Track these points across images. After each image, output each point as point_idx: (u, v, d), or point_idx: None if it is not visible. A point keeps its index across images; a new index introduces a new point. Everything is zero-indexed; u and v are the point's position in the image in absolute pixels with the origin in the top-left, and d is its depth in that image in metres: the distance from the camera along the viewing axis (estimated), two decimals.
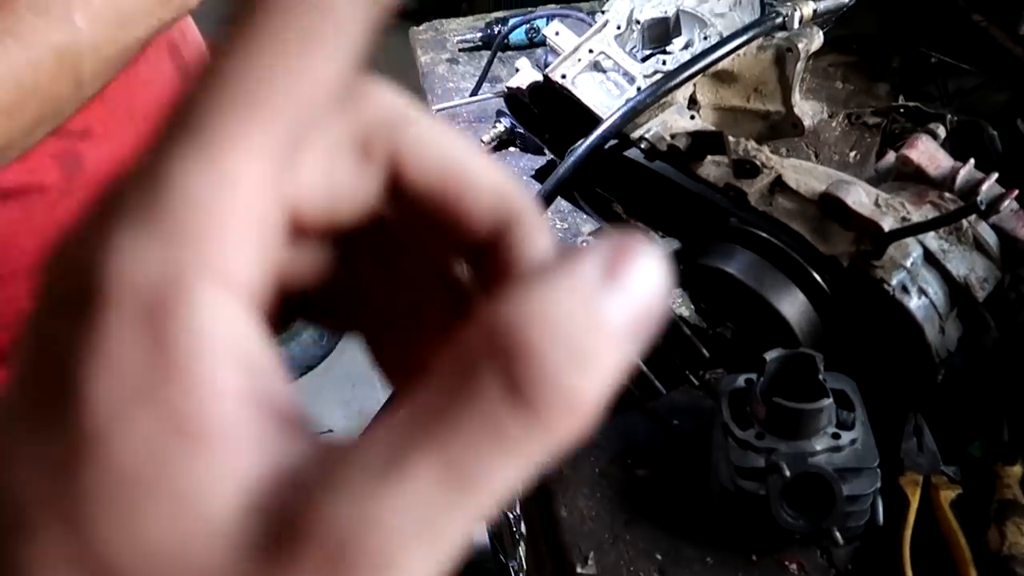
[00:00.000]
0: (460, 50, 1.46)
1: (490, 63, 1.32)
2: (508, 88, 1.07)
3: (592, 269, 0.19)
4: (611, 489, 0.83)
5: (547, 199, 0.91)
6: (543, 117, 1.06)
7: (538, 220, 0.25)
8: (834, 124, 1.17)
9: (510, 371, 0.19)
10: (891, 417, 0.87)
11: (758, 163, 0.84)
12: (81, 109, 0.62)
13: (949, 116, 1.09)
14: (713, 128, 0.89)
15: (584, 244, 0.21)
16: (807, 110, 1.03)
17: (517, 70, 1.08)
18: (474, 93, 1.35)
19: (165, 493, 0.18)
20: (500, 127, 1.23)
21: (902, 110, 1.15)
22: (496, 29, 1.44)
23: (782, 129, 1.05)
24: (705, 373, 0.93)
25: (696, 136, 0.88)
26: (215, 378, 0.19)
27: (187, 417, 0.18)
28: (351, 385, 2.83)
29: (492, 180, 0.25)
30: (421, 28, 1.55)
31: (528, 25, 1.41)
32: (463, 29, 1.51)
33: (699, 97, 1.05)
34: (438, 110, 1.34)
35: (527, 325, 0.19)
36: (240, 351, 0.19)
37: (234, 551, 0.19)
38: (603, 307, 0.19)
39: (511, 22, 1.39)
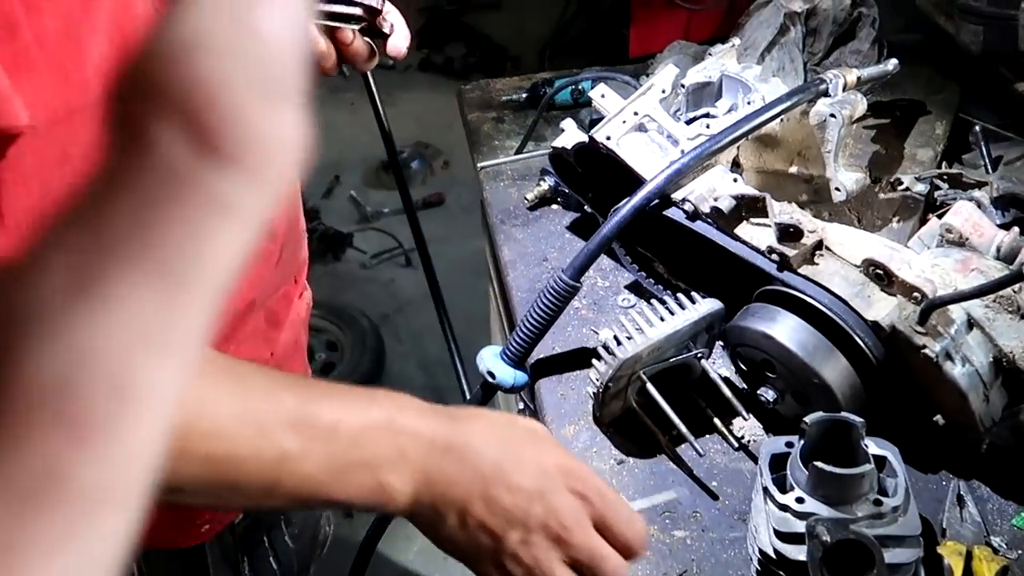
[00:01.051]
0: (504, 107, 1.49)
1: (535, 122, 1.35)
2: (553, 148, 1.09)
3: None
4: (650, 550, 0.83)
5: (591, 257, 0.92)
6: (587, 177, 1.08)
7: None
8: (877, 189, 1.17)
9: (188, 115, 0.16)
10: (935, 485, 0.87)
11: (801, 227, 0.84)
12: None
13: (993, 183, 1.10)
14: (756, 192, 0.90)
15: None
16: (850, 175, 1.04)
17: (562, 130, 1.10)
18: (519, 151, 1.37)
19: None
20: (544, 185, 1.25)
21: (945, 177, 1.15)
22: (542, 89, 1.47)
23: (825, 193, 1.06)
24: (745, 435, 0.92)
25: (740, 199, 0.89)
26: None
27: None
28: None
29: None
30: (468, 87, 1.58)
31: (573, 86, 1.44)
32: (509, 89, 1.55)
33: (742, 160, 1.06)
34: (483, 167, 1.37)
35: (187, 57, 0.16)
36: None
37: None
38: (260, 19, 0.17)
39: (557, 83, 1.41)
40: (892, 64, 1.12)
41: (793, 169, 1.05)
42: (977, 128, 1.18)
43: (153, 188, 0.16)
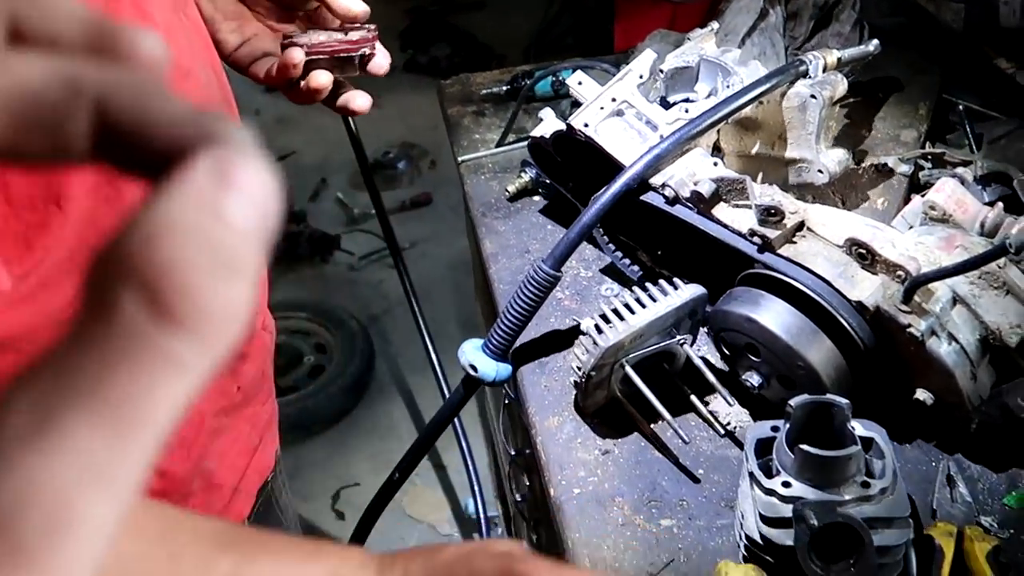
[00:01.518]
0: (484, 101, 1.48)
1: (515, 114, 1.33)
2: (532, 137, 1.08)
3: (205, 176, 0.20)
4: (635, 540, 0.82)
5: (571, 246, 0.91)
6: (567, 165, 1.07)
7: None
8: (861, 171, 1.16)
9: (149, 290, 0.18)
10: (923, 466, 0.85)
11: (783, 208, 0.83)
12: None
13: (977, 162, 1.09)
14: (736, 174, 0.89)
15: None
16: (833, 157, 1.02)
17: (541, 120, 1.08)
18: (499, 144, 1.36)
19: None
20: (525, 177, 1.24)
21: (929, 157, 1.14)
22: (522, 82, 1.45)
23: (808, 176, 1.04)
24: (730, 421, 0.91)
25: (720, 182, 0.88)
26: None
27: None
28: (378, 438, 2.82)
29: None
30: (448, 81, 1.57)
31: (553, 77, 1.43)
32: (489, 82, 1.53)
33: (723, 145, 1.04)
34: (463, 160, 1.35)
35: (155, 240, 0.19)
36: None
37: None
38: (226, 208, 0.19)
39: (536, 74, 1.40)
40: (873, 45, 1.11)
41: (774, 152, 1.04)
42: (960, 107, 1.17)
43: (114, 344, 0.18)
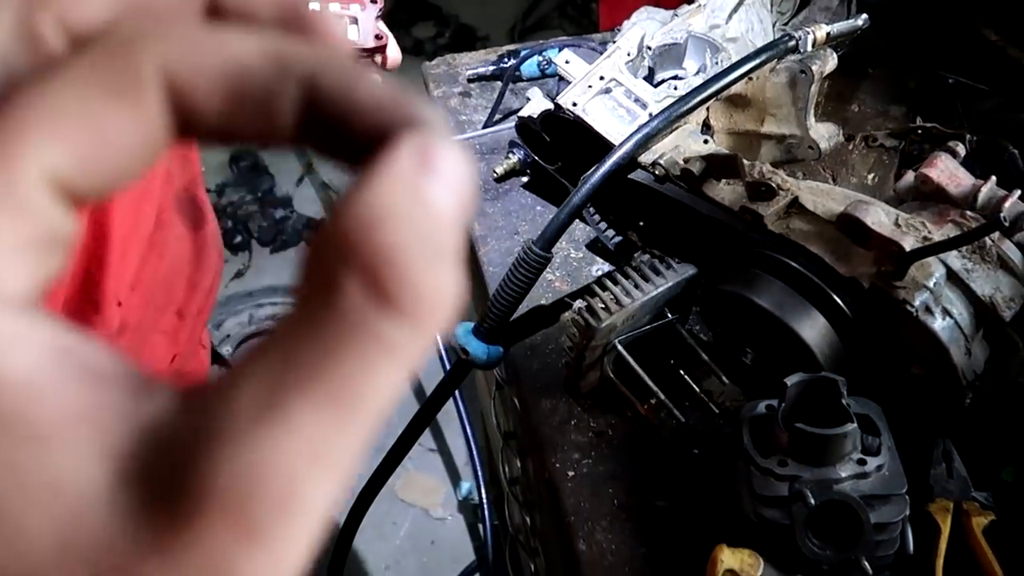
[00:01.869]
0: (470, 81, 1.46)
1: (502, 94, 1.32)
2: (519, 117, 1.06)
3: (409, 162, 0.20)
4: (631, 521, 0.81)
5: (562, 226, 0.90)
6: (555, 145, 1.05)
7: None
8: (851, 147, 1.15)
9: (371, 276, 0.19)
10: (919, 442, 0.85)
11: (774, 185, 0.82)
12: None
13: (968, 136, 1.08)
14: (727, 151, 0.88)
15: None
16: (823, 132, 1.02)
17: (528, 99, 1.07)
18: (487, 125, 1.34)
19: (27, 495, 0.18)
20: (513, 158, 1.23)
21: (920, 131, 1.13)
22: (508, 61, 1.44)
23: (798, 152, 1.04)
24: (725, 400, 0.91)
25: (710, 159, 0.87)
26: (28, 379, 0.19)
27: (10, 422, 0.18)
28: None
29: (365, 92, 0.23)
30: (433, 63, 1.55)
31: (540, 56, 1.41)
32: (475, 63, 1.51)
33: (713, 122, 1.03)
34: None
35: (374, 225, 0.19)
36: (38, 350, 0.19)
37: (121, 530, 0.18)
38: (431, 194, 0.20)
39: (522, 53, 1.39)
40: (862, 19, 1.10)
41: (764, 128, 1.03)
42: (950, 81, 1.17)
43: (339, 330, 0.19)
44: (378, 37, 0.82)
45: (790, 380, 0.76)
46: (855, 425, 0.73)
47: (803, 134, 1.02)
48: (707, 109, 1.02)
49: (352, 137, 0.22)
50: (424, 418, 1.11)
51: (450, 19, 5.07)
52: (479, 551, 1.77)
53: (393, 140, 0.21)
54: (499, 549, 1.85)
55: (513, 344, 0.99)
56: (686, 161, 0.88)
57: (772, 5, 1.36)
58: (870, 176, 1.12)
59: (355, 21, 0.82)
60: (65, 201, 0.21)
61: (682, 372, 0.91)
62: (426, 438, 2.64)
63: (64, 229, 0.21)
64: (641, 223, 1.02)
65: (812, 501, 0.70)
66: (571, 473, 0.86)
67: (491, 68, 1.46)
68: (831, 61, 0.98)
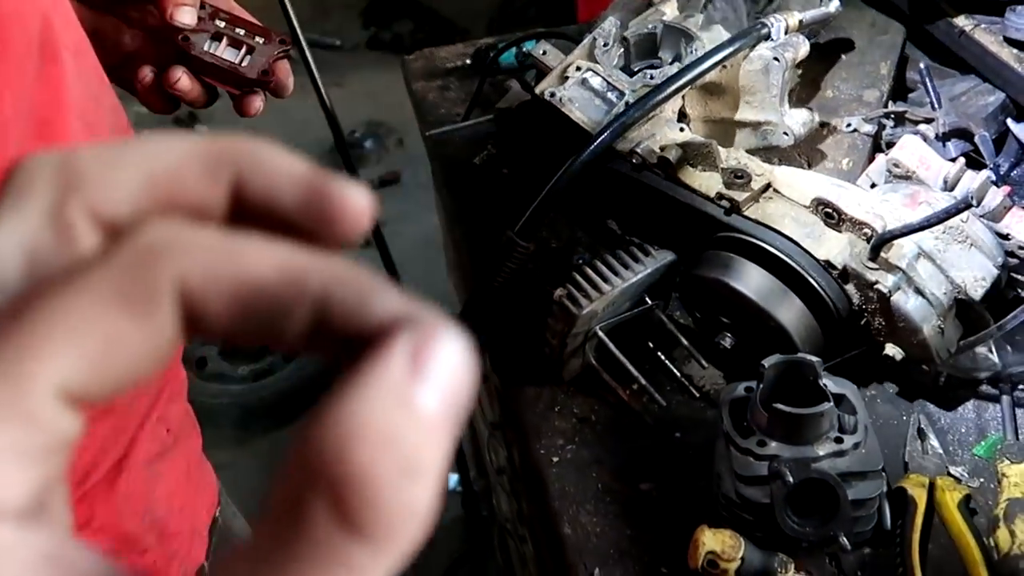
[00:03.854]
0: (449, 74, 1.47)
1: (480, 87, 1.33)
2: (497, 108, 1.07)
3: (400, 366, 0.20)
4: (615, 504, 0.83)
5: (539, 214, 0.91)
6: (533, 136, 1.06)
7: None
8: (825, 132, 1.17)
9: (337, 499, 0.19)
10: (895, 421, 0.87)
11: (749, 171, 0.84)
12: None
13: (939, 119, 1.10)
14: (703, 139, 0.89)
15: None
16: (798, 118, 1.03)
17: (507, 90, 1.08)
18: (466, 118, 1.35)
19: None
20: (492, 149, 1.24)
21: (892, 116, 1.15)
22: (486, 54, 1.45)
23: (773, 139, 1.05)
24: (705, 384, 0.92)
25: (686, 147, 0.88)
26: None
27: None
28: None
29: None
30: (412, 57, 1.56)
31: (517, 48, 1.42)
32: (454, 56, 1.52)
33: (688, 110, 1.05)
34: (430, 135, 1.35)
35: (348, 446, 0.19)
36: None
37: None
38: (418, 401, 0.20)
39: (500, 46, 1.39)
40: (834, 5, 1.12)
41: (739, 116, 1.04)
42: (922, 65, 1.18)
43: (302, 551, 0.19)
44: (265, 74, 0.82)
45: (767, 362, 0.78)
46: (832, 404, 0.74)
47: (778, 120, 1.03)
48: (683, 98, 1.03)
49: (357, 345, 0.22)
50: None
51: (428, 14, 5.06)
52: (469, 542, 1.78)
53: (389, 339, 0.20)
54: (487, 539, 1.86)
55: (497, 336, 1.01)
56: (662, 149, 0.89)
57: None
58: (845, 161, 1.13)
59: (251, 51, 0.82)
60: (72, 407, 0.21)
61: (662, 357, 0.92)
62: None
63: (68, 432, 0.21)
64: (619, 210, 1.03)
65: (791, 479, 0.71)
66: (555, 459, 0.87)
67: (469, 61, 1.47)
68: (803, 47, 0.99)
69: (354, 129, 3.98)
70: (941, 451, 0.83)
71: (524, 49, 1.42)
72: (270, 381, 2.80)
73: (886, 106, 1.20)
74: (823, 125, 1.18)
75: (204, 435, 0.99)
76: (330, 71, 4.70)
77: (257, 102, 0.86)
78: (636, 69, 1.06)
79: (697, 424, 0.89)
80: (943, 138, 1.09)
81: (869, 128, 1.14)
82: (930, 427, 0.85)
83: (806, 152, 1.15)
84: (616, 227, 1.06)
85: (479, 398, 1.37)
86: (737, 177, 0.84)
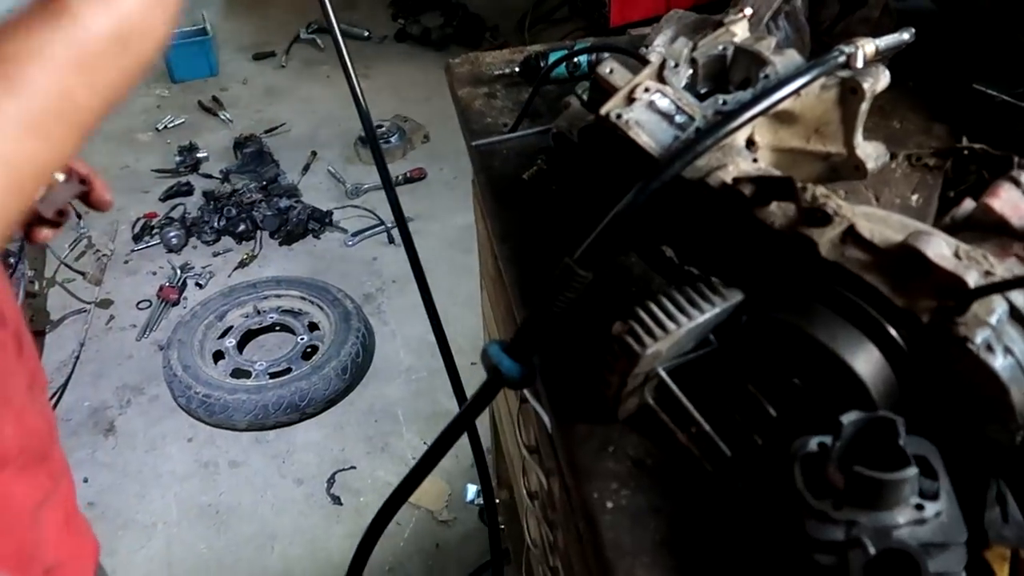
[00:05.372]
0: (495, 81, 1.43)
1: (532, 98, 1.28)
2: (556, 127, 1.03)
3: None
4: (673, 558, 0.78)
5: (601, 242, 0.86)
6: (594, 158, 1.02)
7: None
8: (894, 165, 1.12)
9: None
10: (973, 485, 0.82)
11: (829, 211, 0.79)
12: None
13: (1018, 159, 1.05)
14: (779, 173, 0.84)
15: None
16: (871, 152, 0.98)
17: (565, 107, 1.03)
18: (514, 129, 1.31)
19: None
20: (543, 165, 1.19)
21: (967, 151, 1.10)
22: (536, 63, 1.40)
23: (843, 171, 1.00)
24: (770, 434, 0.87)
25: (762, 181, 0.83)
26: None
27: None
28: (374, 420, 2.78)
29: None
30: (457, 61, 1.51)
31: (568, 59, 1.37)
32: (500, 63, 1.48)
33: (757, 138, 1.00)
34: (477, 145, 1.30)
35: None
36: None
37: None
38: None
39: (552, 57, 1.35)
40: (908, 33, 1.06)
41: (810, 146, 0.99)
42: (997, 100, 1.13)
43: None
44: (60, 214, 0.88)
45: (846, 418, 0.73)
46: (916, 469, 0.70)
47: (849, 153, 0.98)
48: (752, 125, 0.98)
49: None
50: (452, 434, 1.08)
51: (458, 8, 5.01)
52: (493, 554, 1.74)
53: None
54: (504, 554, 1.82)
55: (549, 367, 0.96)
56: (736, 181, 0.84)
57: (811, 13, 1.32)
58: (914, 197, 1.08)
59: (50, 188, 0.88)
60: None
61: (726, 402, 0.87)
62: (429, 438, 2.61)
63: None
64: (679, 238, 0.99)
65: (872, 549, 0.67)
66: (610, 504, 0.82)
67: (517, 69, 1.43)
68: (883, 78, 0.94)
69: (380, 123, 3.94)
70: (1022, 519, 0.78)
71: (577, 62, 1.37)
72: (287, 379, 2.77)
73: (957, 139, 1.15)
74: (892, 157, 1.13)
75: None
76: (356, 62, 4.65)
77: (46, 232, 0.93)
78: (703, 91, 1.02)
79: (761, 476, 0.84)
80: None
81: (940, 163, 1.09)
82: (1009, 492, 0.80)
83: (873, 185, 1.10)
84: (673, 254, 1.02)
85: (515, 420, 1.32)
86: (817, 216, 0.79)
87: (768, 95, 0.89)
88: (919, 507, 0.70)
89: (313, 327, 3.01)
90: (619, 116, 0.92)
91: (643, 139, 0.91)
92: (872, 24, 1.27)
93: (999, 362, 0.75)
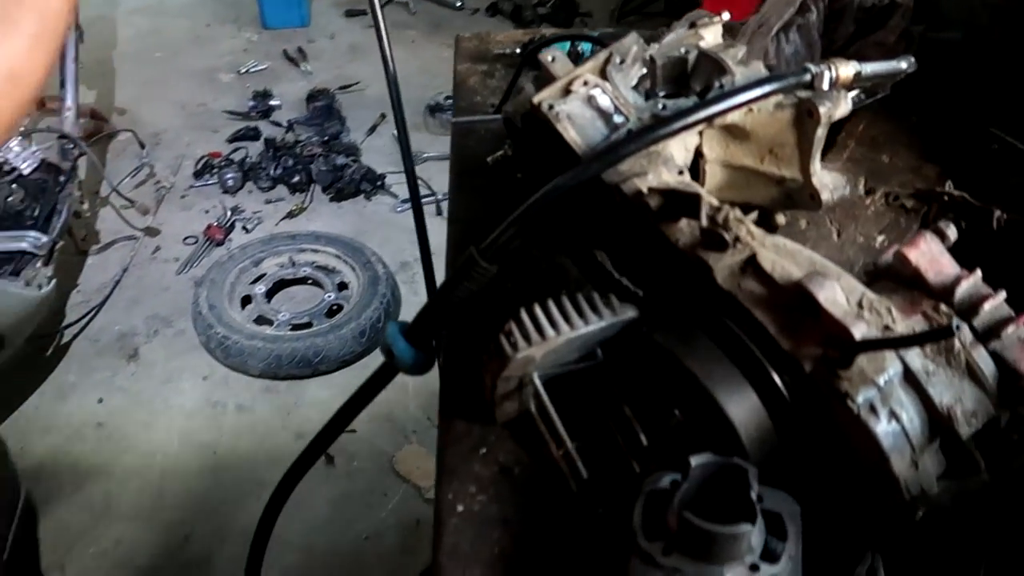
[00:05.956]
0: (496, 61, 1.38)
1: (514, 81, 1.24)
2: (504, 110, 0.98)
3: None
4: (505, 575, 0.74)
5: (506, 236, 0.82)
6: (532, 147, 0.97)
7: None
8: (869, 201, 1.05)
9: None
10: (845, 554, 0.75)
11: (727, 237, 0.73)
12: None
13: (998, 213, 0.96)
14: (692, 189, 0.78)
15: None
16: (827, 182, 0.91)
17: (519, 92, 0.99)
18: (497, 110, 1.27)
19: None
20: (508, 150, 1.15)
21: (947, 197, 1.01)
22: (537, 46, 1.35)
23: (798, 199, 0.93)
24: (648, 462, 0.82)
25: (669, 195, 0.78)
26: None
27: None
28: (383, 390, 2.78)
29: None
30: (468, 36, 1.48)
31: (571, 45, 1.32)
32: (509, 43, 1.44)
33: (706, 151, 0.94)
34: (455, 122, 1.27)
35: None
36: None
37: None
38: None
39: (546, 38, 1.30)
40: (907, 62, 0.98)
41: (763, 167, 0.93)
42: (995, 147, 1.04)
43: None
44: None
45: (695, 459, 0.67)
46: (752, 527, 0.64)
47: (805, 180, 0.91)
48: (699, 135, 0.92)
49: None
50: (343, 417, 1.05)
51: None
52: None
53: None
54: None
55: (448, 356, 0.93)
56: (648, 191, 0.79)
57: (825, 30, 1.24)
58: (880, 237, 1.01)
59: None
60: None
61: (610, 422, 0.82)
62: (433, 414, 2.59)
63: None
64: (610, 242, 0.93)
65: None
66: (460, 508, 0.78)
67: (520, 50, 1.38)
68: (843, 106, 0.87)
69: (449, 94, 3.92)
70: None
71: (579, 48, 1.32)
72: (305, 334, 2.78)
73: (948, 184, 1.06)
74: (869, 192, 1.05)
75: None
76: (443, 30, 4.64)
77: None
78: (662, 94, 0.96)
79: (625, 504, 0.79)
80: (998, 234, 0.95)
81: (920, 206, 1.01)
82: (882, 569, 0.73)
83: (839, 219, 1.03)
84: (607, 261, 0.96)
85: None
86: (714, 240, 0.73)
87: (708, 105, 0.83)
88: (754, 567, 0.65)
89: (342, 286, 3.02)
90: (550, 107, 0.88)
91: (570, 134, 0.87)
92: (886, 49, 1.18)
93: (881, 426, 0.68)
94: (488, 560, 0.75)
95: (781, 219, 1.00)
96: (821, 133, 0.88)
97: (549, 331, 0.77)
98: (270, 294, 3.02)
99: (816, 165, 0.91)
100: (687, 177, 0.83)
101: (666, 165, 0.83)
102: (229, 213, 3.46)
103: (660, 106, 0.87)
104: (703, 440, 0.76)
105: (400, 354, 0.89)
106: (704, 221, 0.74)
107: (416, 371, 0.90)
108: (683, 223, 0.79)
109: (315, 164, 3.58)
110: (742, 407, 0.72)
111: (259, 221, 3.44)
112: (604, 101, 0.88)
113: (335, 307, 2.94)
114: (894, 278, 0.74)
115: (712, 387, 0.72)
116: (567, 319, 0.78)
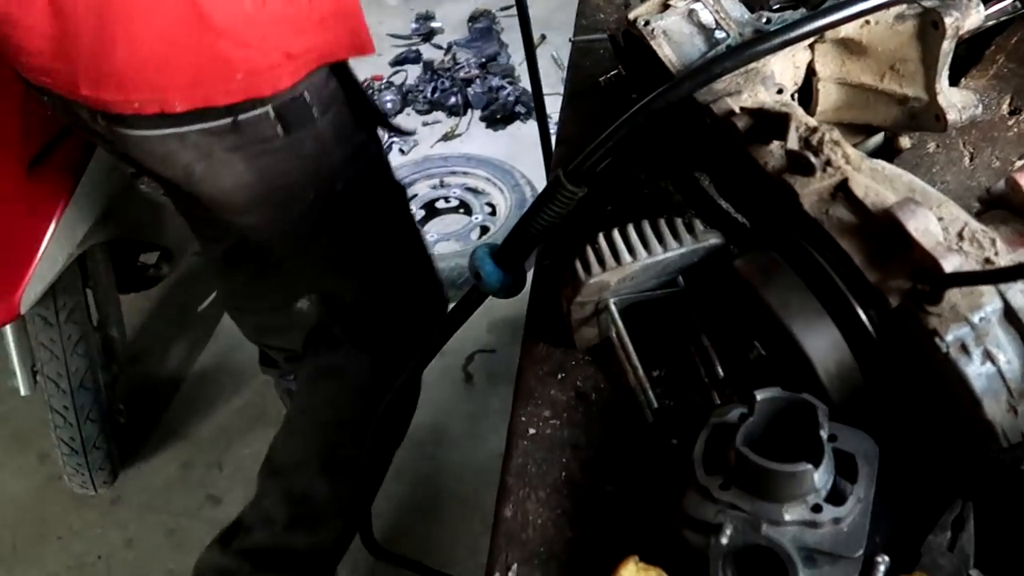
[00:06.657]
0: None
1: None
2: (610, 30, 0.95)
3: None
4: (568, 500, 0.73)
5: (593, 159, 0.79)
6: (634, 66, 0.93)
7: None
8: (1012, 122, 0.95)
9: None
10: (932, 500, 0.70)
11: (815, 161, 0.68)
12: None
13: None
14: (785, 109, 0.73)
15: None
16: (956, 101, 0.83)
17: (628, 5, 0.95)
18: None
19: None
20: (622, 71, 1.11)
21: None
22: None
23: (922, 120, 0.86)
24: (729, 391, 0.79)
25: (757, 115, 0.73)
26: None
27: None
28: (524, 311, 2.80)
29: None
30: None
31: None
32: None
33: (819, 68, 0.87)
34: (574, 41, 1.23)
35: None
36: None
37: None
38: None
39: None
40: None
41: (884, 85, 0.86)
42: None
43: None
44: None
45: (761, 394, 0.64)
46: (811, 467, 0.61)
47: (930, 99, 0.84)
48: (811, 51, 0.86)
49: None
50: (435, 344, 1.07)
51: None
52: None
53: None
54: None
55: (538, 280, 0.92)
56: (734, 113, 0.75)
57: None
58: (1021, 163, 0.91)
59: None
60: None
61: (693, 349, 0.80)
62: None
63: None
64: (711, 164, 0.89)
65: (725, 540, 0.60)
66: (532, 431, 0.78)
67: None
68: (975, 15, 0.79)
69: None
70: (970, 551, 0.66)
71: None
72: (451, 252, 2.83)
73: None
74: (1014, 112, 0.95)
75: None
76: None
77: None
78: (776, 6, 0.89)
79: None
80: None
81: None
82: (972, 519, 0.68)
83: (974, 142, 0.94)
84: (708, 184, 0.92)
85: None
86: (799, 163, 0.69)
87: (814, 19, 0.77)
88: (816, 508, 0.61)
89: (491, 208, 3.05)
90: (646, 24, 0.84)
91: (664, 51, 0.82)
92: None
93: (973, 367, 0.63)
94: (554, 484, 0.75)
95: (906, 142, 0.93)
96: (948, 47, 0.80)
97: (625, 256, 0.75)
98: (425, 221, 3.08)
99: (943, 82, 0.83)
100: (786, 96, 0.77)
101: (764, 83, 0.78)
102: (386, 135, 3.53)
103: (764, 19, 0.81)
104: (783, 375, 0.72)
105: (487, 277, 0.88)
106: (792, 143, 0.70)
107: (504, 294, 0.90)
108: (773, 145, 0.74)
109: (472, 87, 3.60)
110: (821, 343, 0.68)
111: (415, 143, 3.50)
112: (705, 16, 0.83)
113: (482, 228, 2.97)
114: (1007, 207, 0.67)
115: (789, 320, 0.68)
116: (645, 244, 0.75)
